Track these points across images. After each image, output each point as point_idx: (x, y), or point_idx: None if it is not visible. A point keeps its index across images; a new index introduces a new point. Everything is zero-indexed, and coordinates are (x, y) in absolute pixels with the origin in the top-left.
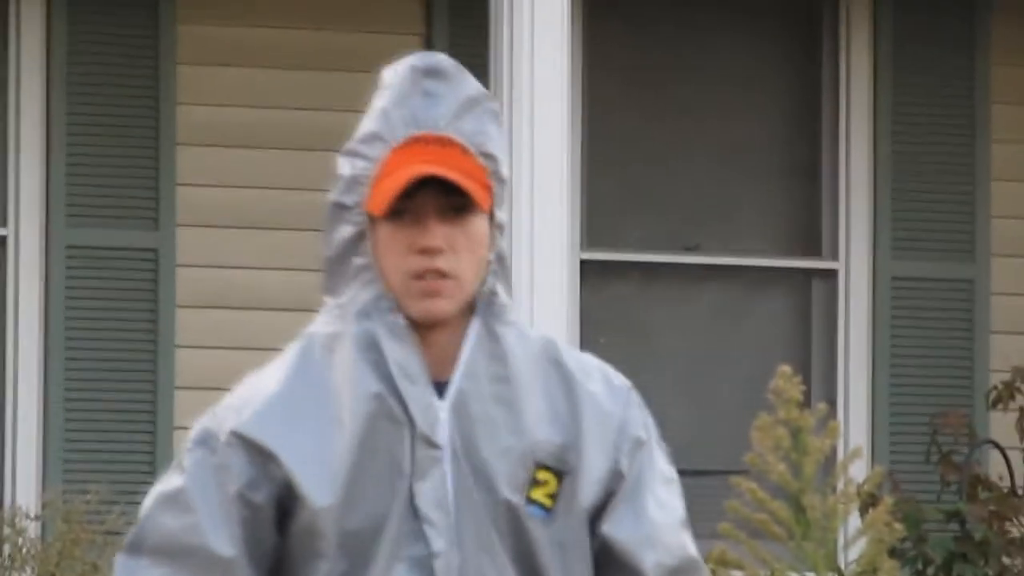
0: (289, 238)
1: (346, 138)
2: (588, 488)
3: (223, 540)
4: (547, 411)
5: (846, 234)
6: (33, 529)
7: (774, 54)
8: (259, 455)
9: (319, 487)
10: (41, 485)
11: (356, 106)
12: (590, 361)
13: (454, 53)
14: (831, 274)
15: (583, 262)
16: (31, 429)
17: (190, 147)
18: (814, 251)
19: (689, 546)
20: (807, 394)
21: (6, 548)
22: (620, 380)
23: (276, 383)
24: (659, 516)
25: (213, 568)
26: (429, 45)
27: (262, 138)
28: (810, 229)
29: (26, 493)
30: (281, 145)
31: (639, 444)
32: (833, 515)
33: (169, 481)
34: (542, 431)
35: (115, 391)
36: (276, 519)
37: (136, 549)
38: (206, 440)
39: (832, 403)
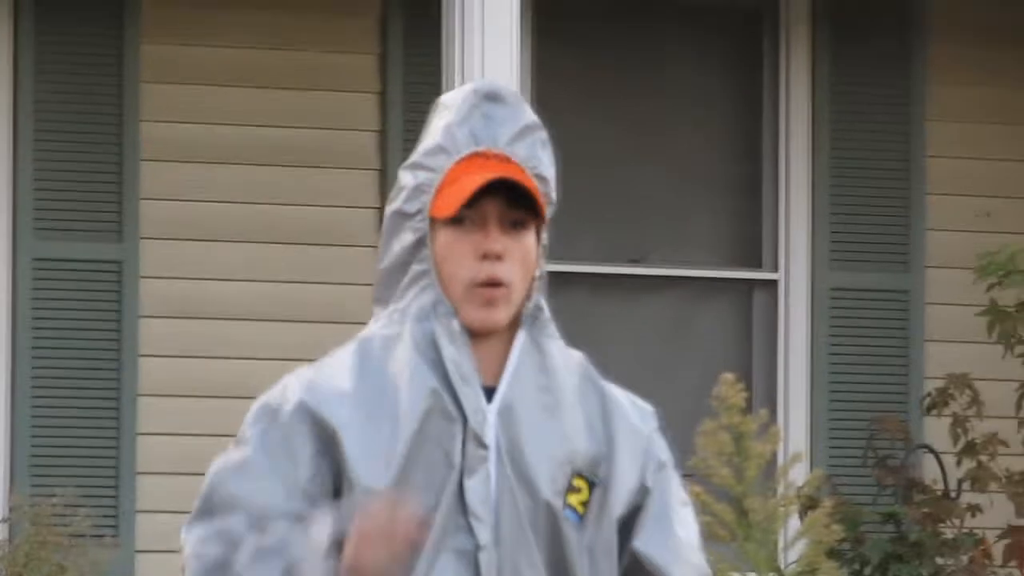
0: (250, 250)
1: (306, 153)
2: (618, 499)
3: (293, 498)
4: (584, 423)
5: (786, 246)
6: (1, 531)
7: (717, 72)
8: (323, 430)
9: (373, 471)
10: (8, 489)
11: (315, 123)
12: (615, 386)
13: (408, 72)
14: (771, 285)
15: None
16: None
17: (153, 163)
18: (755, 263)
19: (705, 565)
20: (749, 400)
21: None
22: (646, 405)
23: (340, 373)
24: (683, 535)
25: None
26: (384, 65)
27: (224, 154)
28: (751, 241)
29: None
30: (242, 160)
31: (662, 465)
32: (774, 517)
33: (231, 455)
34: (580, 441)
35: (80, 398)
36: (332, 490)
37: (208, 514)
38: (268, 413)
39: (773, 409)
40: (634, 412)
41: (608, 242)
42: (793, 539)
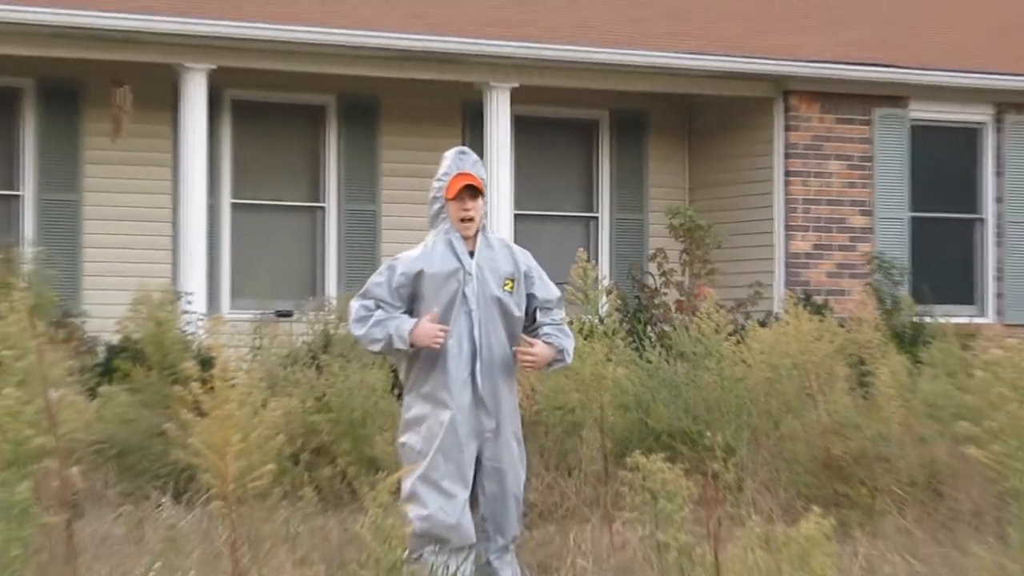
0: (418, 208)
1: (432, 176)
2: (522, 286)
3: (395, 300)
4: (508, 259)
5: (599, 202)
6: (329, 306)
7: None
8: (406, 280)
9: (431, 277)
10: (336, 292)
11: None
12: (515, 246)
13: (471, 142)
14: (596, 219)
15: (516, 215)
16: (333, 279)
17: (391, 177)
18: (591, 209)
19: (563, 314)
20: (589, 258)
21: (322, 313)
22: (526, 253)
23: (416, 254)
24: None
25: (390, 310)
26: (464, 136)
27: (417, 177)
28: (588, 199)
29: (332, 292)
30: (409, 200)
31: (538, 273)
32: (597, 297)
33: (377, 277)
34: (506, 267)
35: (358, 262)
36: (409, 302)
37: (364, 296)
38: (390, 267)
39: (597, 262)
40: (521, 255)
41: (559, 201)
42: (603, 304)
